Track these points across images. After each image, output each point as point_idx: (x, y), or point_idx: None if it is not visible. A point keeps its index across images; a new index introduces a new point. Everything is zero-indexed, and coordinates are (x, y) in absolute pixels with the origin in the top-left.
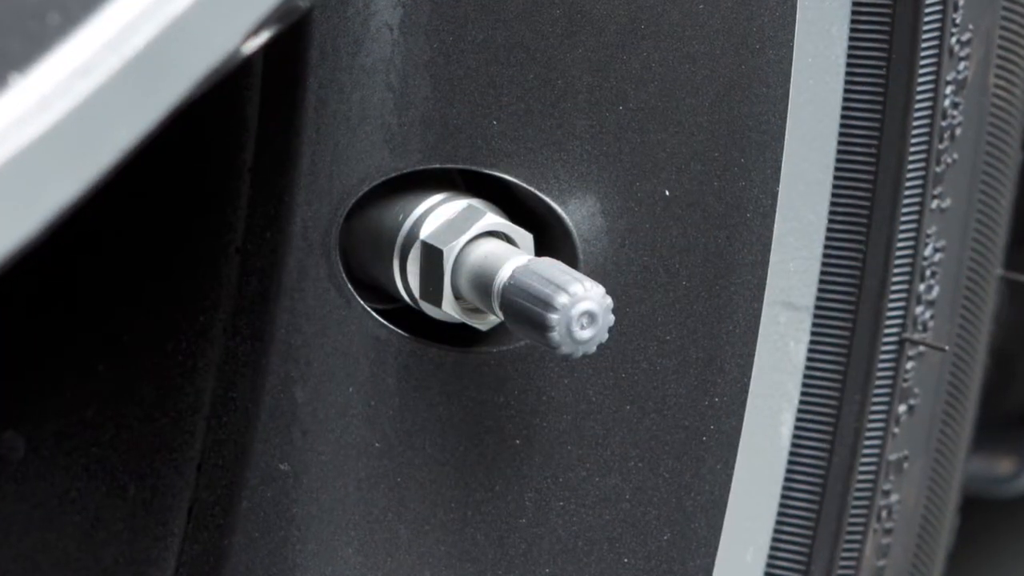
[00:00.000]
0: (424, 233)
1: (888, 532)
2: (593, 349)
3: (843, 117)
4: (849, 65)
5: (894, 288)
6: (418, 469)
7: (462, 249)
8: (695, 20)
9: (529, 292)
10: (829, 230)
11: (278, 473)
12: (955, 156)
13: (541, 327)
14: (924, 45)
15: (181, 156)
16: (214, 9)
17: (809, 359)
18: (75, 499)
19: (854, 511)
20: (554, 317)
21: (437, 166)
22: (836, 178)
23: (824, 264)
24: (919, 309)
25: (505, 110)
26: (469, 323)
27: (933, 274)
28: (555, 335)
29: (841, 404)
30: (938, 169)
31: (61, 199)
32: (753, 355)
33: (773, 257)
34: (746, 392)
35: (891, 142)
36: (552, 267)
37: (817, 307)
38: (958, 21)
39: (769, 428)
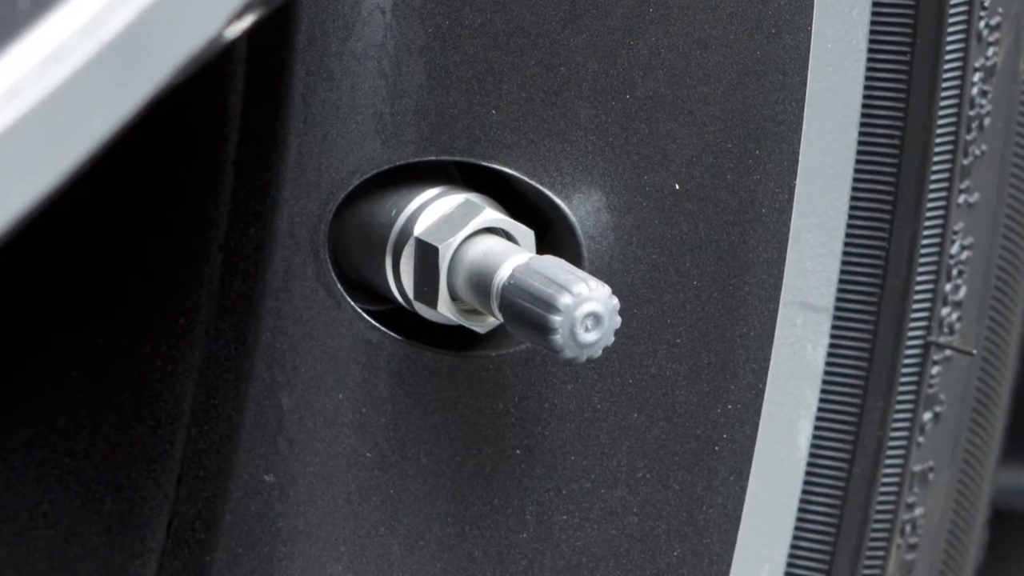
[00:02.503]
0: (419, 230)
1: (912, 548)
2: (598, 353)
3: (864, 106)
4: (871, 51)
5: (918, 288)
6: (412, 481)
7: (459, 247)
8: (707, 3)
9: (530, 292)
10: (849, 226)
11: (263, 485)
12: (983, 147)
13: (543, 329)
14: (951, 29)
15: (160, 148)
16: None
17: (828, 363)
18: (47, 513)
19: (876, 525)
20: (557, 319)
21: (432, 158)
22: (857, 171)
23: (844, 263)
24: (945, 310)
25: (505, 99)
26: (466, 325)
27: (960, 273)
28: (558, 338)
29: (862, 411)
30: (965, 161)
31: (32, 193)
32: (769, 359)
33: (790, 255)
34: (761, 399)
35: (915, 133)
36: (555, 266)
37: (837, 308)
38: (987, 4)
39: (786, 437)
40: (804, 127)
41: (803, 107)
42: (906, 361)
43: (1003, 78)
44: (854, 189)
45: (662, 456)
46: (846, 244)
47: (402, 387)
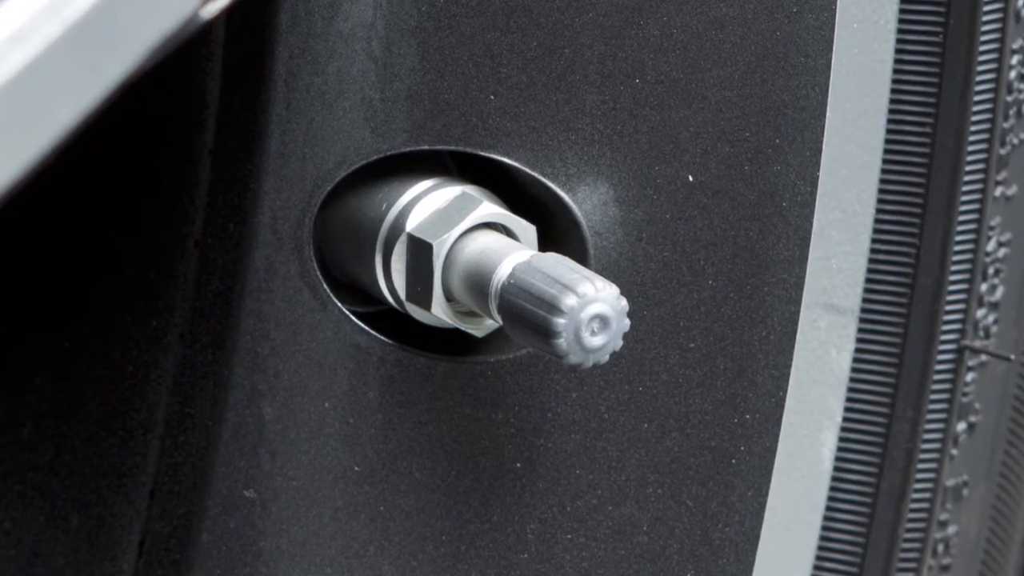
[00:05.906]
0: (411, 225)
1: (945, 569)
2: (605, 358)
3: (893, 91)
4: (900, 31)
5: (952, 288)
6: (404, 497)
7: (455, 243)
8: None
9: (532, 293)
10: (877, 222)
11: (243, 501)
12: (1022, 136)
13: (546, 333)
14: (987, 8)
15: (131, 137)
16: None
17: (854, 369)
18: (9, 531)
19: (906, 545)
20: (560, 321)
21: (426, 148)
22: (885, 162)
23: (871, 261)
24: (981, 312)
25: (504, 83)
26: (462, 328)
27: (997, 272)
28: (562, 342)
29: (891, 421)
30: (1002, 151)
31: None
32: (790, 365)
33: (813, 253)
34: (782, 407)
35: (948, 120)
36: (558, 264)
37: (863, 310)
38: None
39: (808, 449)
40: (828, 114)
41: (827, 92)
42: (938, 367)
43: None
44: (882, 181)
45: (675, 470)
46: (874, 241)
47: (393, 395)
